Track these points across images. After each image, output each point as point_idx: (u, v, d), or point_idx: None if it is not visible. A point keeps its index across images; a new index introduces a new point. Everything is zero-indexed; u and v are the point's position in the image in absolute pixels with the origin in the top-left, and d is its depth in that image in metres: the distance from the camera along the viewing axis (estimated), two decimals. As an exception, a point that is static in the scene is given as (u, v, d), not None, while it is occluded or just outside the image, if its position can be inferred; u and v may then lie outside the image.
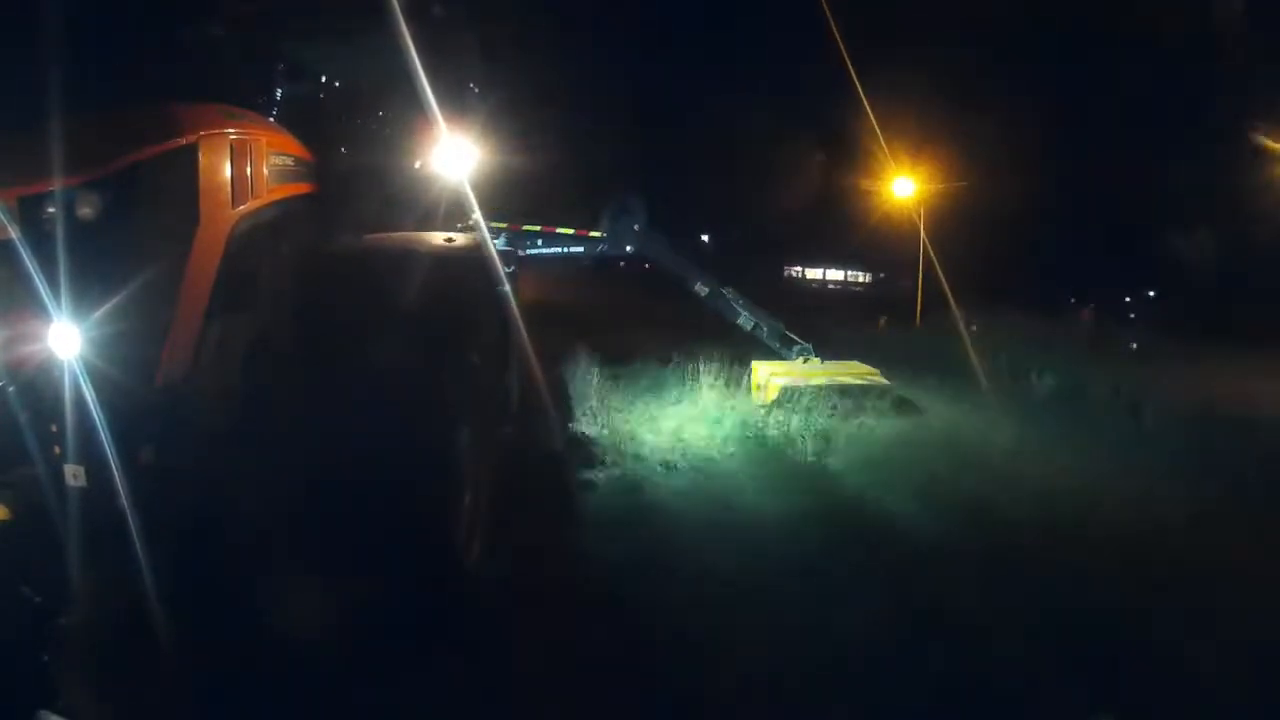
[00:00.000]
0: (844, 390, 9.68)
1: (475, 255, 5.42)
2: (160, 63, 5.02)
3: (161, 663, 3.48)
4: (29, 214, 3.63)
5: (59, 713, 3.16)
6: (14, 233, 3.57)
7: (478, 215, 6.32)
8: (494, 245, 6.67)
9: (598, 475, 7.07)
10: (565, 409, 9.01)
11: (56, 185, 3.60)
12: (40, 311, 3.51)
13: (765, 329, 10.74)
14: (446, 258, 4.87)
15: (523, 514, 5.61)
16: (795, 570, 5.23)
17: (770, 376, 9.97)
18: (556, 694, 3.82)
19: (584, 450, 7.67)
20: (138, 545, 3.40)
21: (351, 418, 3.81)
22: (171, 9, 5.21)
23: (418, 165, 6.40)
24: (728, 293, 10.63)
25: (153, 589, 3.43)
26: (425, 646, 3.91)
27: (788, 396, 9.52)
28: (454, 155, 6.57)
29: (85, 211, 3.65)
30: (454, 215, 6.42)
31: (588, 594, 4.83)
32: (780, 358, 10.67)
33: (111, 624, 3.45)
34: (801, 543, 5.70)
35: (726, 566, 5.22)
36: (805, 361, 10.51)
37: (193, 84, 4.73)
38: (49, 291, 3.50)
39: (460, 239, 5.21)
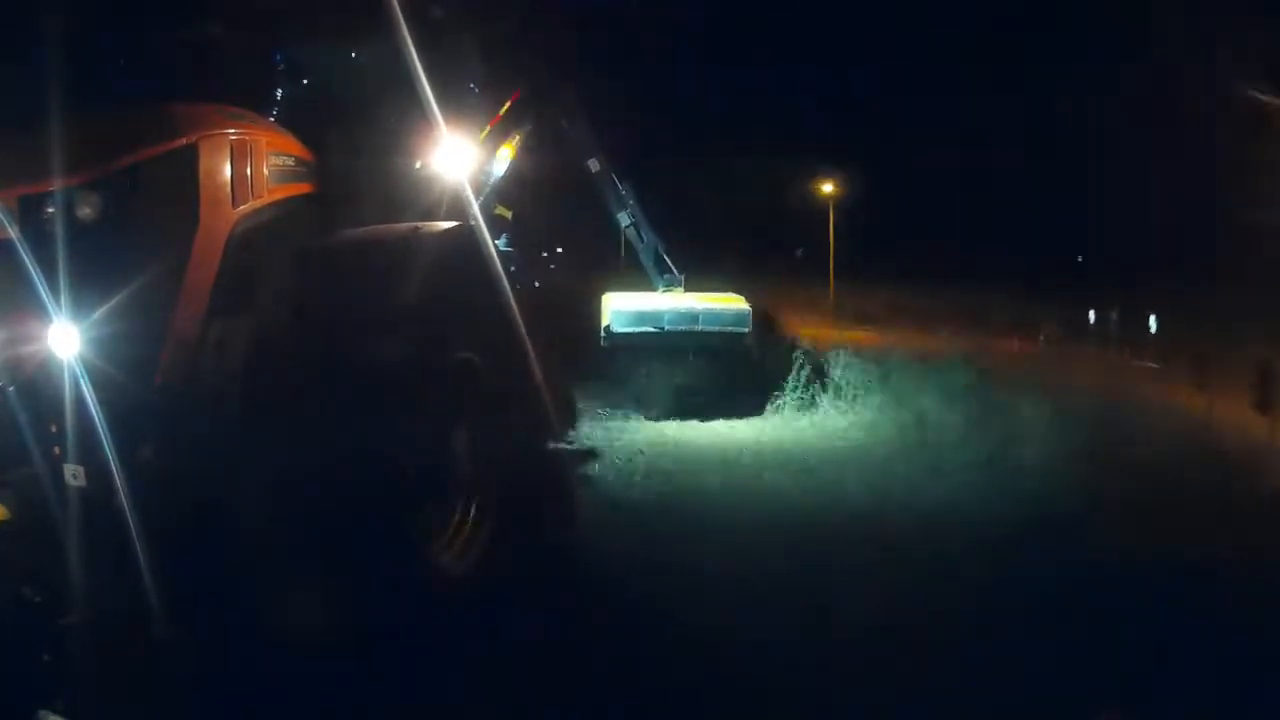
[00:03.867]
0: (690, 314, 9.22)
1: (471, 249, 5.40)
2: (160, 63, 5.02)
3: (161, 663, 3.48)
4: (29, 214, 3.63)
5: (59, 713, 3.16)
6: (14, 233, 3.57)
7: (477, 212, 6.32)
8: (496, 245, 6.67)
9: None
10: (567, 406, 9.02)
11: (56, 185, 3.60)
12: (40, 311, 3.51)
13: (644, 240, 10.09)
14: (441, 252, 4.86)
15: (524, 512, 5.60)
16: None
17: (609, 302, 9.52)
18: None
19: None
20: (137, 545, 3.40)
21: (351, 417, 3.81)
22: (172, 9, 5.21)
23: (418, 165, 6.39)
24: (622, 185, 10.03)
25: (153, 589, 3.43)
26: (423, 648, 3.91)
27: (620, 320, 9.17)
28: (455, 155, 6.57)
29: (85, 211, 3.66)
30: (454, 215, 6.41)
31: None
32: (648, 281, 10.16)
33: (111, 624, 3.44)
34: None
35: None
36: (665, 290, 9.93)
37: (193, 84, 4.73)
38: (49, 291, 3.50)
39: (453, 230, 5.18)
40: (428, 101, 5.63)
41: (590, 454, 7.90)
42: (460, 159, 6.60)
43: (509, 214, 9.15)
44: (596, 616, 4.57)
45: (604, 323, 9.43)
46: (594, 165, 10.01)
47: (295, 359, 4.05)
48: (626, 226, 10.11)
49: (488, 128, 9.57)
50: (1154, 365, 14.16)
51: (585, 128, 10.07)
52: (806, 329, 16.03)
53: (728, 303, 9.67)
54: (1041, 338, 20.18)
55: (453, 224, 5.30)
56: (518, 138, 9.61)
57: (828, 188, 33.23)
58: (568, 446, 8.06)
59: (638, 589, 4.89)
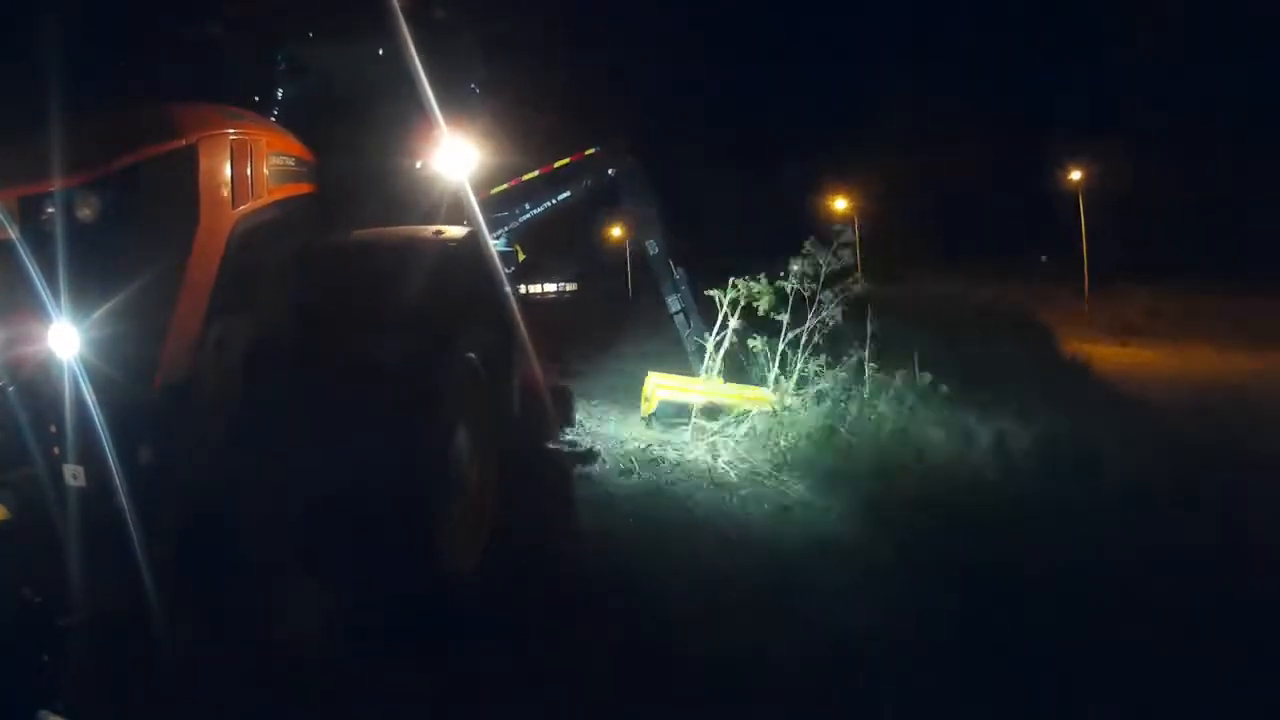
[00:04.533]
0: (720, 409, 9.50)
1: (475, 253, 5.41)
2: (160, 63, 5.03)
3: (161, 663, 3.48)
4: (29, 214, 3.63)
5: (59, 713, 3.16)
6: (14, 233, 3.57)
7: (477, 214, 6.32)
8: (494, 245, 6.67)
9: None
10: (565, 408, 9.05)
11: (56, 186, 3.60)
12: (40, 312, 3.50)
13: (691, 325, 10.18)
14: (446, 255, 4.87)
15: (523, 514, 5.61)
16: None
17: (656, 388, 9.80)
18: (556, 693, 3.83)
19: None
20: (137, 545, 3.40)
21: (350, 419, 3.81)
22: (171, 9, 5.22)
23: (419, 166, 6.39)
24: (677, 271, 10.12)
25: (153, 589, 3.42)
26: (423, 648, 3.91)
27: (668, 410, 9.54)
28: (455, 155, 6.57)
29: (85, 212, 3.65)
30: (455, 216, 6.42)
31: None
32: (688, 367, 10.26)
33: (111, 624, 3.44)
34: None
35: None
36: (705, 378, 10.03)
37: (193, 84, 4.73)
38: (49, 292, 3.50)
39: (459, 234, 5.19)
40: (428, 101, 5.63)
41: (590, 453, 7.91)
42: (461, 160, 6.59)
43: (523, 256, 9.27)
44: (597, 616, 4.58)
45: (650, 409, 9.80)
46: (653, 247, 10.19)
47: (295, 359, 4.05)
48: (676, 312, 10.21)
49: (537, 171, 9.75)
50: None
51: (652, 207, 10.21)
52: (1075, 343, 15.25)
53: (759, 400, 9.90)
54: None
55: (455, 229, 5.30)
56: (567, 194, 9.81)
57: (1075, 175, 29.13)
58: (568, 448, 8.08)
59: (639, 588, 4.89)
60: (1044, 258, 35.17)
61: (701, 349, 10.13)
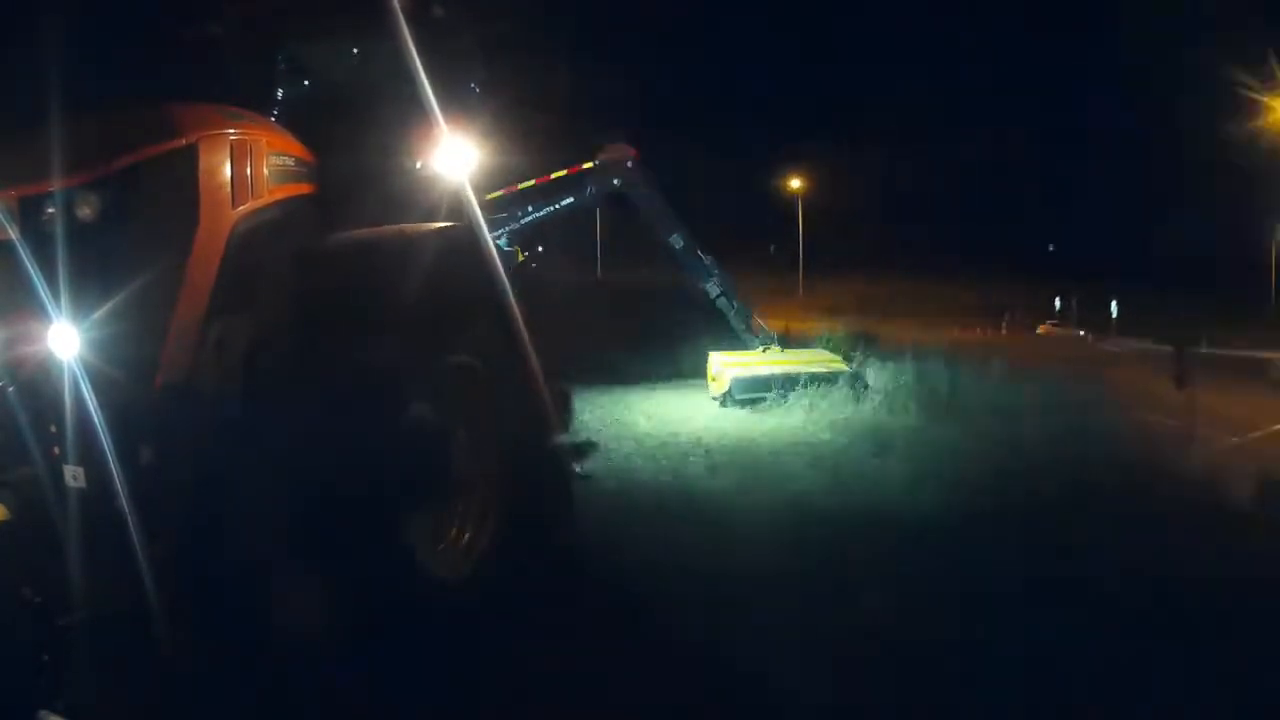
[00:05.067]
0: (797, 378, 9.60)
1: (475, 252, 5.40)
2: (160, 63, 5.04)
3: (161, 663, 3.48)
4: (29, 214, 3.63)
5: (59, 713, 3.16)
6: (14, 233, 3.57)
7: (478, 214, 6.31)
8: (493, 245, 6.66)
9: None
10: (566, 405, 9.04)
11: (57, 185, 3.60)
12: (40, 311, 3.51)
13: (735, 307, 10.44)
14: (446, 255, 4.86)
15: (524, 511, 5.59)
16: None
17: (724, 367, 9.88)
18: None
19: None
20: (137, 545, 3.40)
21: (350, 419, 3.80)
22: (171, 9, 5.21)
23: (419, 166, 6.38)
24: (705, 257, 10.30)
25: (153, 589, 3.42)
26: (423, 648, 3.90)
27: (740, 387, 9.51)
28: (456, 155, 6.56)
29: (85, 212, 3.65)
30: (455, 216, 6.41)
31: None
32: (742, 344, 10.46)
33: (111, 624, 3.44)
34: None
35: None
36: (765, 350, 10.31)
37: (193, 84, 4.73)
38: (49, 291, 3.50)
39: (459, 234, 5.18)
40: (428, 101, 5.62)
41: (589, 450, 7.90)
42: (461, 159, 6.58)
43: (522, 256, 9.34)
44: (598, 616, 4.58)
45: (723, 389, 9.89)
46: (677, 241, 10.28)
47: (295, 359, 4.05)
48: (716, 296, 10.32)
49: (534, 181, 9.82)
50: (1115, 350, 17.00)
51: (664, 206, 10.30)
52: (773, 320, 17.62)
53: (830, 363, 10.09)
54: (1004, 323, 22.79)
55: (452, 224, 5.29)
56: (570, 200, 9.88)
57: (795, 183, 37.32)
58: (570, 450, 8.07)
59: (640, 586, 4.89)
60: (773, 247, 40.14)
61: (754, 326, 10.23)
